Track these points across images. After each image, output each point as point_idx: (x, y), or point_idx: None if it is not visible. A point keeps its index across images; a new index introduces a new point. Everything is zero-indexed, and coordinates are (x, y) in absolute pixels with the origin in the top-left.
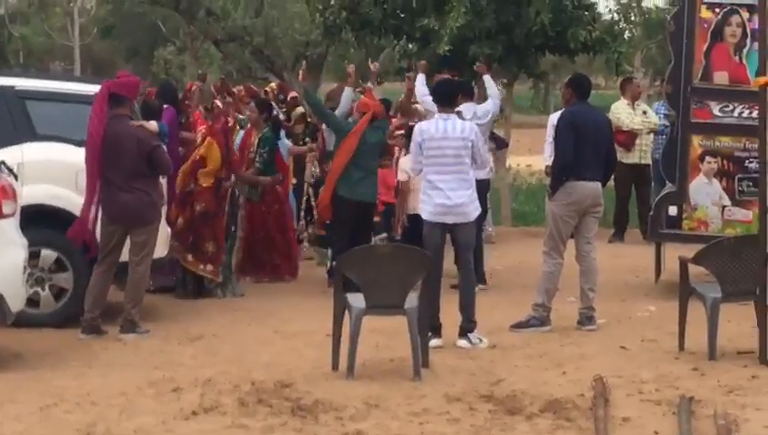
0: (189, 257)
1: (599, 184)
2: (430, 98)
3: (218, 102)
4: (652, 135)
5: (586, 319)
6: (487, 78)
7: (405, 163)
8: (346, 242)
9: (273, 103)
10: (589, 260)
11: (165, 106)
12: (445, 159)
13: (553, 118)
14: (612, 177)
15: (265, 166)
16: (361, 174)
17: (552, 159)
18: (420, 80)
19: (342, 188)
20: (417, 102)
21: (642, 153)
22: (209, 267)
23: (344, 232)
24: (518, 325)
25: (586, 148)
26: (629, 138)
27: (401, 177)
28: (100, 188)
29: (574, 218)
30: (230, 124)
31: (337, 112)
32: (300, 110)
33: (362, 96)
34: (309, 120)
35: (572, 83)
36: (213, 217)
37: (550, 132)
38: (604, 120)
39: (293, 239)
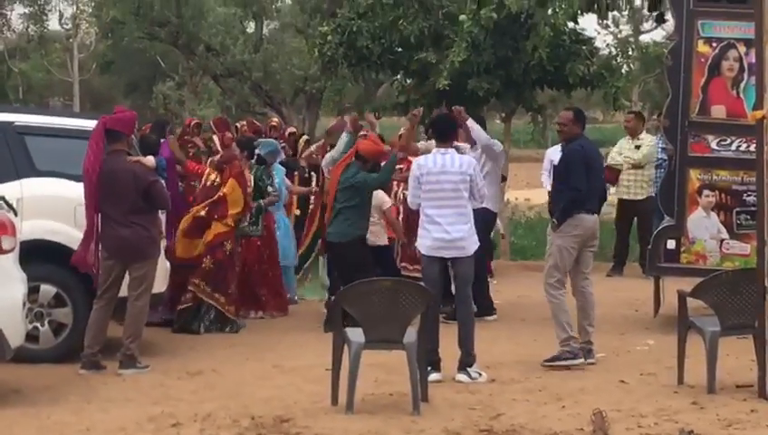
0: (221, 299)
1: (597, 217)
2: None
3: (216, 139)
4: (647, 170)
5: (586, 353)
6: (470, 122)
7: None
8: (336, 283)
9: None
10: (586, 295)
11: (162, 140)
12: (443, 193)
13: (551, 152)
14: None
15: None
16: (334, 214)
17: (555, 191)
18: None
19: None
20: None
21: (636, 188)
22: (232, 308)
23: (333, 273)
24: (551, 360)
25: (591, 181)
26: (611, 173)
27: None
28: (98, 222)
29: (576, 251)
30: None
31: (333, 154)
32: (305, 138)
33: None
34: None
35: (578, 116)
36: (233, 258)
37: (546, 166)
38: (599, 152)
39: (279, 279)
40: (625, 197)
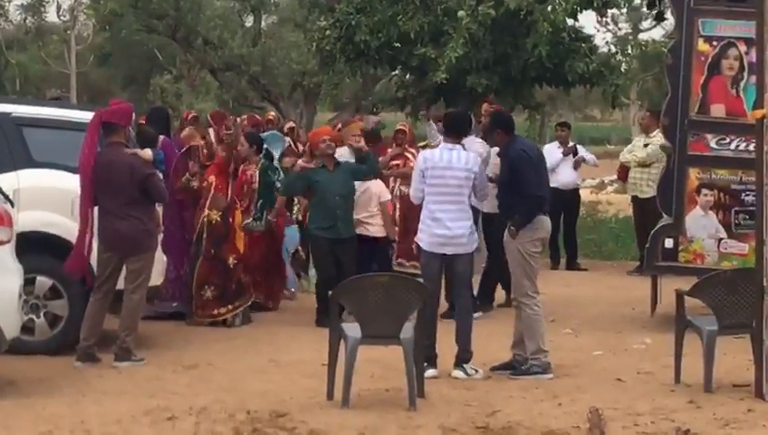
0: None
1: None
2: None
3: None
4: (653, 168)
5: (520, 364)
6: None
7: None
8: (330, 274)
9: (290, 139)
10: None
11: (162, 137)
12: (447, 188)
13: (547, 149)
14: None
15: (286, 189)
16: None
17: (506, 196)
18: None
19: None
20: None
21: (643, 186)
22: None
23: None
24: (519, 373)
25: (542, 181)
26: (622, 171)
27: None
28: (93, 217)
29: (539, 253)
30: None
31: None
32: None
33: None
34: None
35: (498, 125)
36: None
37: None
38: (539, 149)
39: (282, 268)
40: (635, 194)
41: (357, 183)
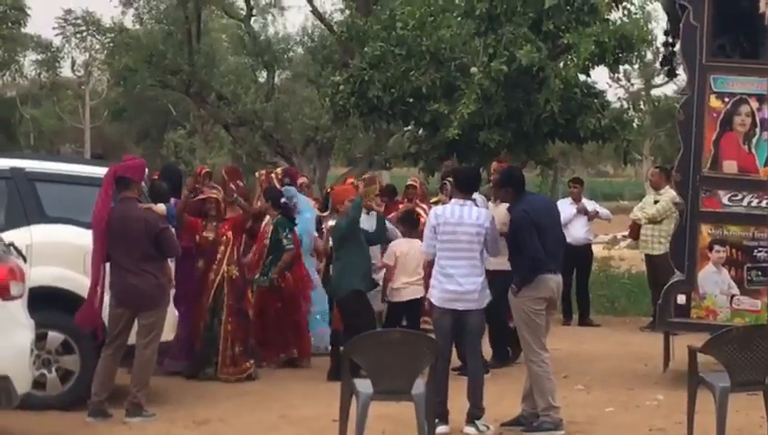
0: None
1: (560, 276)
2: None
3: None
4: (665, 225)
5: (533, 417)
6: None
7: (396, 246)
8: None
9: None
10: None
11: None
12: (459, 244)
13: (561, 204)
14: None
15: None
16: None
17: (511, 256)
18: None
19: None
20: None
21: (654, 243)
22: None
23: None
24: (531, 429)
25: (548, 240)
26: (633, 228)
27: (387, 260)
28: (105, 272)
29: (544, 310)
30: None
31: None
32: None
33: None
34: None
35: (508, 183)
36: None
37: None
38: (553, 205)
39: (302, 322)
40: (646, 252)
41: (401, 244)
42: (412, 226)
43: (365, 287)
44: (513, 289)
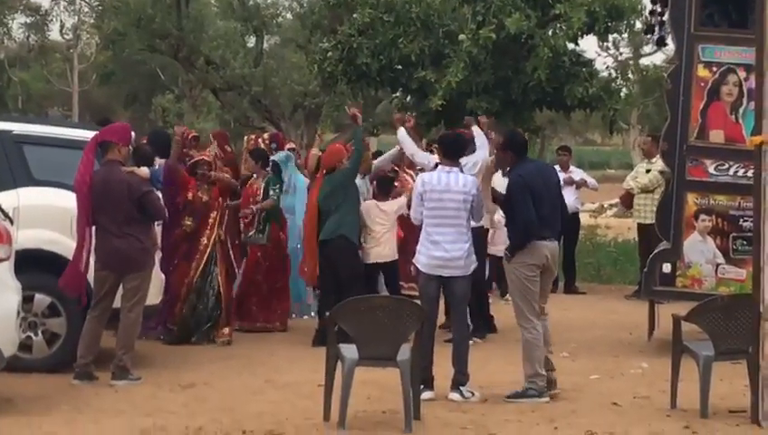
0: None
1: (556, 243)
2: (422, 153)
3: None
4: (656, 194)
5: (549, 383)
6: (475, 129)
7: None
8: (327, 297)
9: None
10: (544, 324)
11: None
12: (445, 211)
13: None
14: None
15: (278, 200)
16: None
17: (507, 223)
18: (401, 133)
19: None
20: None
21: (646, 212)
22: None
23: (323, 285)
24: (515, 396)
25: (542, 206)
26: (626, 197)
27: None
28: (90, 236)
29: (537, 277)
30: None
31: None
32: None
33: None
34: None
35: (509, 146)
36: None
37: None
38: (551, 172)
39: (285, 287)
40: (639, 221)
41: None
42: (385, 190)
43: (356, 241)
44: (506, 255)
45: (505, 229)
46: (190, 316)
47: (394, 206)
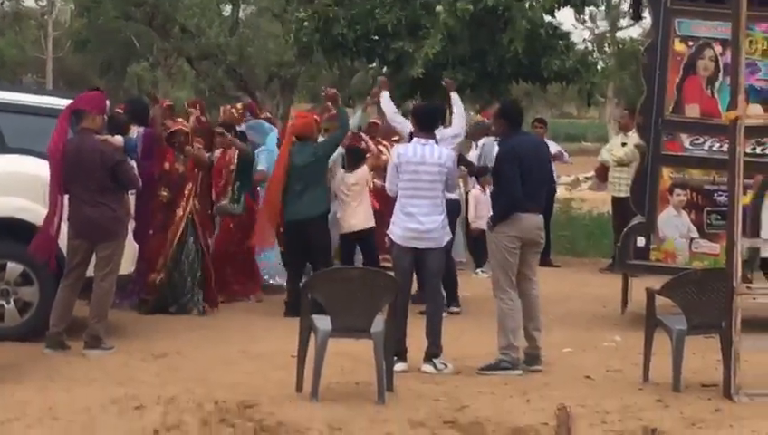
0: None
1: (541, 217)
2: (401, 117)
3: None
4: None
5: (533, 358)
6: (454, 95)
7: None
8: (296, 267)
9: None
10: (531, 298)
11: (140, 128)
12: (420, 183)
13: None
14: None
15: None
16: (291, 195)
17: (493, 193)
18: (385, 97)
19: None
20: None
21: (621, 185)
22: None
23: (292, 256)
24: (487, 368)
25: (530, 179)
26: (601, 170)
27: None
28: (62, 204)
29: (518, 250)
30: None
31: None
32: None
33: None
34: None
35: (504, 114)
36: None
37: None
38: (543, 147)
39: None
40: (614, 194)
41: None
42: (355, 160)
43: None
44: (488, 224)
45: (488, 202)
46: (167, 286)
47: (354, 177)
